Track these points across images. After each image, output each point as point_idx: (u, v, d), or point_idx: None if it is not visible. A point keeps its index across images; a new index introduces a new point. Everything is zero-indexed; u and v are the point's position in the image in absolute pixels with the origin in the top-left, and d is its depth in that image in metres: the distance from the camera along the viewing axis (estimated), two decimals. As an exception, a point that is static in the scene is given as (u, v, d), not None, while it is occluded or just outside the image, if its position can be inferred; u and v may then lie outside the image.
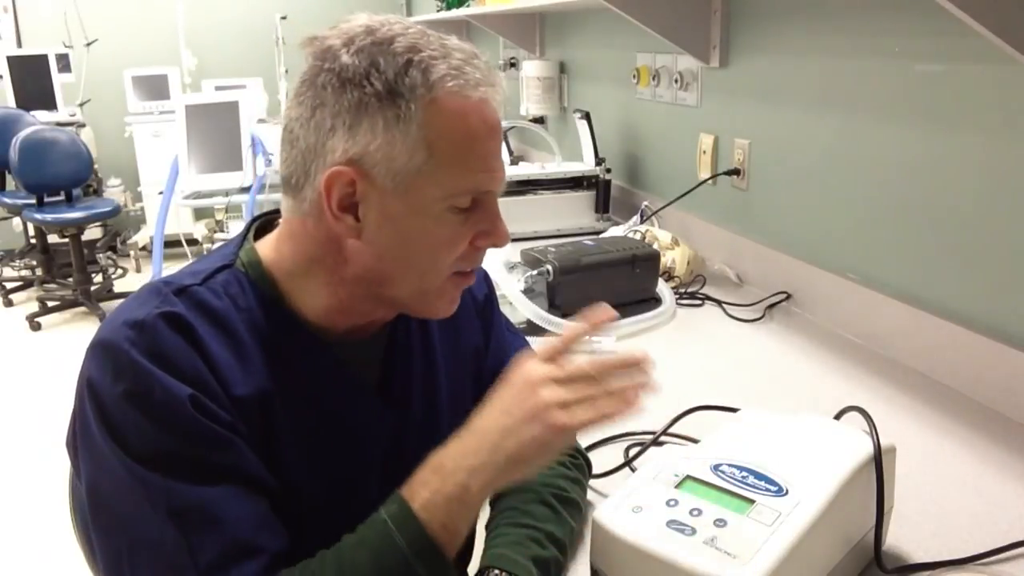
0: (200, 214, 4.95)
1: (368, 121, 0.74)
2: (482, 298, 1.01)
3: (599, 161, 2.41)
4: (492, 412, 0.75)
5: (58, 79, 5.13)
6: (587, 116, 2.44)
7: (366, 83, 0.74)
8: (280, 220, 0.85)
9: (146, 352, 0.72)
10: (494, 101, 0.78)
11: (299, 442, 0.80)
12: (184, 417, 0.71)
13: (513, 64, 3.50)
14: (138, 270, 5.35)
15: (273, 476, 0.77)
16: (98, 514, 0.74)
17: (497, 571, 0.82)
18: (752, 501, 0.78)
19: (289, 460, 0.79)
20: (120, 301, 0.81)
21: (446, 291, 0.83)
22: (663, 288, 1.77)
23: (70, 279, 4.67)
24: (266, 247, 0.85)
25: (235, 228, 3.53)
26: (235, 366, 0.76)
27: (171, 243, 4.01)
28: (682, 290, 1.84)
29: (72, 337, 4.29)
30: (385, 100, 0.74)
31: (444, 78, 0.75)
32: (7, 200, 4.71)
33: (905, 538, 0.95)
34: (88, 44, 5.40)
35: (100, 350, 0.74)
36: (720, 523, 0.76)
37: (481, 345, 0.99)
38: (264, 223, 0.89)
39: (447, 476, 0.73)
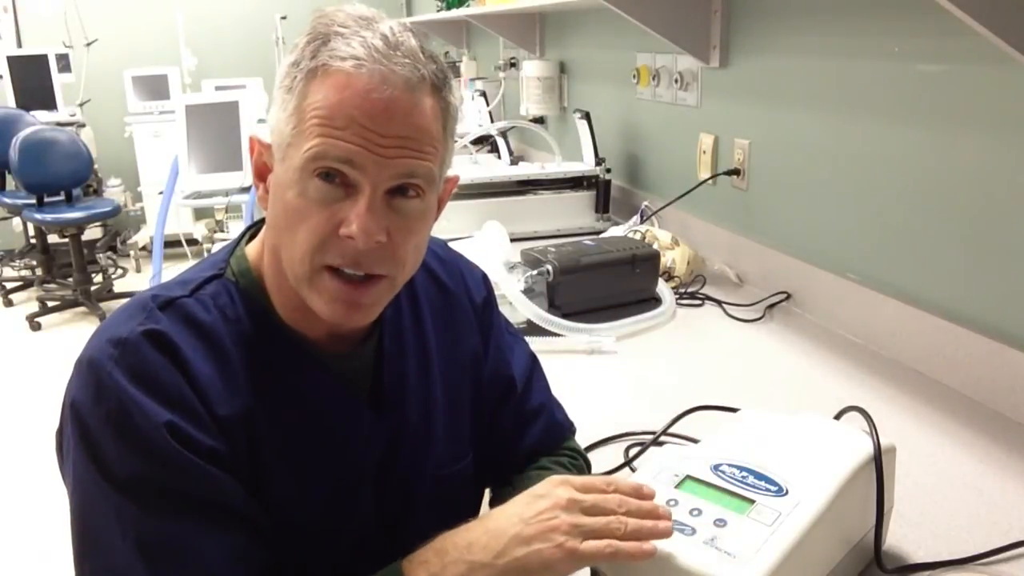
0: (200, 214, 4.95)
1: (277, 94, 0.78)
2: (480, 301, 0.99)
3: (599, 161, 2.41)
4: (511, 517, 0.75)
5: (58, 79, 5.14)
6: (587, 116, 2.44)
7: (290, 63, 0.77)
8: None
9: (128, 372, 0.71)
10: (385, 90, 0.72)
11: (287, 457, 0.79)
12: (161, 445, 0.70)
13: (513, 64, 3.50)
14: (138, 270, 5.35)
15: (261, 494, 0.77)
16: (73, 535, 0.73)
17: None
18: (752, 501, 0.78)
19: (277, 476, 0.78)
20: (120, 301, 0.81)
21: (320, 284, 0.76)
22: (663, 288, 1.77)
23: (70, 279, 4.67)
24: (254, 251, 0.84)
25: (235, 228, 3.53)
26: (220, 384, 0.75)
27: (171, 243, 4.01)
28: (682, 290, 1.84)
29: (72, 337, 4.29)
30: (286, 75, 0.76)
31: (333, 51, 0.73)
32: (7, 200, 4.71)
33: (905, 538, 0.95)
34: (88, 44, 5.40)
35: (84, 368, 0.73)
36: (720, 523, 0.76)
37: (480, 349, 0.98)
38: (259, 229, 0.87)
39: (448, 564, 0.73)
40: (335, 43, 0.74)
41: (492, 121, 3.16)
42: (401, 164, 0.74)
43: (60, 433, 0.76)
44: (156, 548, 0.69)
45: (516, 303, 1.58)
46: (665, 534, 0.74)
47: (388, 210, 0.75)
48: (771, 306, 1.73)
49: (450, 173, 0.85)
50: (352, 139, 0.72)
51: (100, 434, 0.71)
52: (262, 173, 0.81)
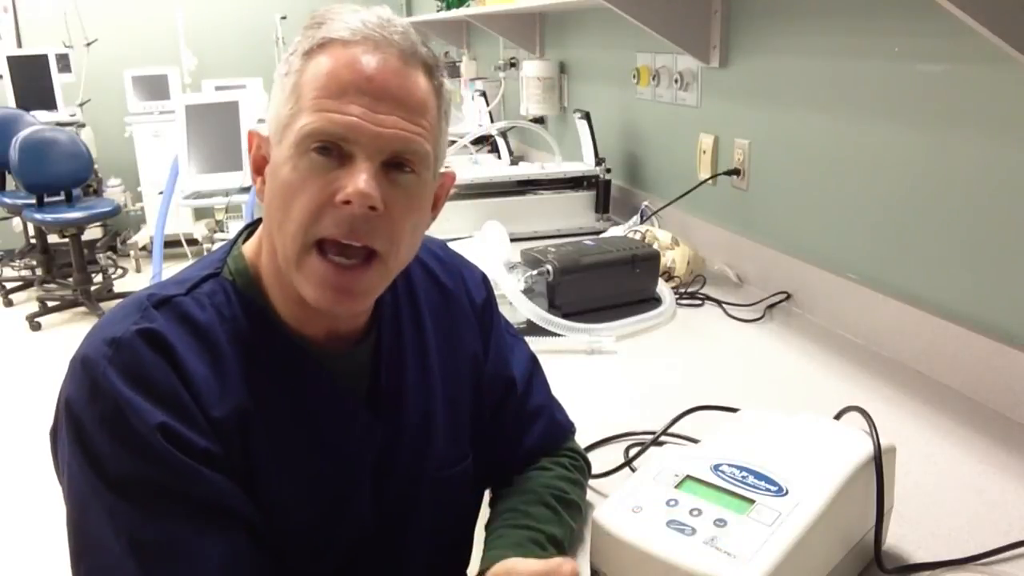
0: (200, 214, 4.95)
1: (276, 83, 0.79)
2: (480, 302, 0.99)
3: (599, 161, 2.41)
4: None
5: (58, 79, 5.14)
6: (587, 116, 2.44)
7: (288, 53, 0.78)
8: None
9: (123, 373, 0.71)
10: (379, 55, 0.74)
11: (282, 458, 0.79)
12: (155, 447, 0.70)
13: (513, 64, 3.50)
14: (138, 270, 5.35)
15: (256, 495, 0.76)
16: (69, 533, 0.73)
17: (497, 572, 0.82)
18: (752, 501, 0.78)
19: (272, 477, 0.78)
20: (120, 301, 0.81)
21: (308, 268, 0.75)
22: (663, 288, 1.77)
23: (70, 279, 4.67)
24: (251, 248, 0.83)
25: (235, 228, 3.53)
26: (215, 384, 0.75)
27: (171, 243, 4.01)
28: (682, 290, 1.84)
29: (72, 337, 4.29)
30: (284, 63, 0.77)
31: (329, 32, 0.75)
32: (7, 200, 4.71)
33: (905, 538, 0.95)
34: (88, 44, 5.40)
35: (79, 367, 0.73)
36: (720, 523, 0.76)
37: (480, 351, 0.97)
38: (256, 228, 0.86)
39: None
40: (331, 23, 0.76)
41: (492, 121, 3.16)
42: (397, 136, 0.74)
43: (54, 431, 0.76)
44: (149, 549, 0.69)
45: (516, 303, 1.58)
46: None
47: (385, 182, 0.75)
48: (771, 306, 1.73)
49: (448, 171, 0.85)
50: (349, 109, 0.73)
51: (94, 434, 0.70)
52: (260, 166, 0.81)
